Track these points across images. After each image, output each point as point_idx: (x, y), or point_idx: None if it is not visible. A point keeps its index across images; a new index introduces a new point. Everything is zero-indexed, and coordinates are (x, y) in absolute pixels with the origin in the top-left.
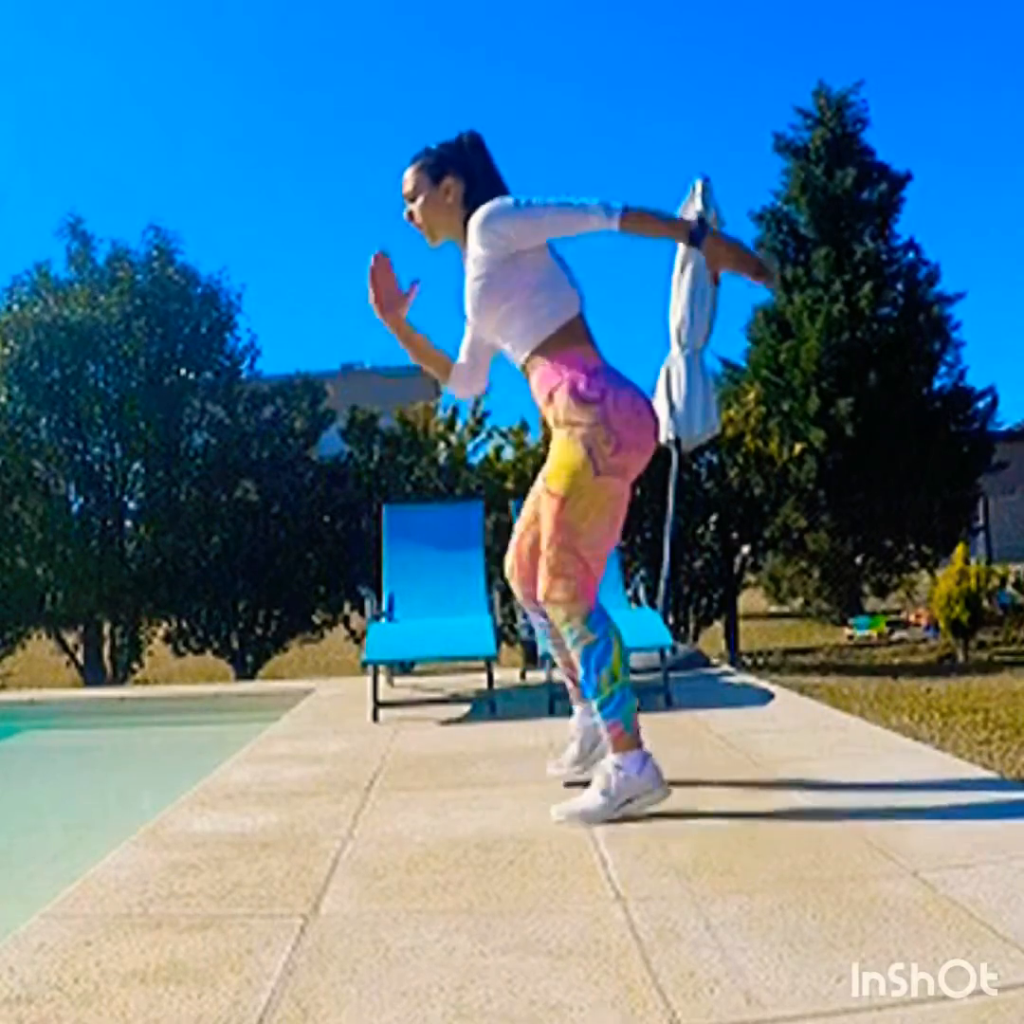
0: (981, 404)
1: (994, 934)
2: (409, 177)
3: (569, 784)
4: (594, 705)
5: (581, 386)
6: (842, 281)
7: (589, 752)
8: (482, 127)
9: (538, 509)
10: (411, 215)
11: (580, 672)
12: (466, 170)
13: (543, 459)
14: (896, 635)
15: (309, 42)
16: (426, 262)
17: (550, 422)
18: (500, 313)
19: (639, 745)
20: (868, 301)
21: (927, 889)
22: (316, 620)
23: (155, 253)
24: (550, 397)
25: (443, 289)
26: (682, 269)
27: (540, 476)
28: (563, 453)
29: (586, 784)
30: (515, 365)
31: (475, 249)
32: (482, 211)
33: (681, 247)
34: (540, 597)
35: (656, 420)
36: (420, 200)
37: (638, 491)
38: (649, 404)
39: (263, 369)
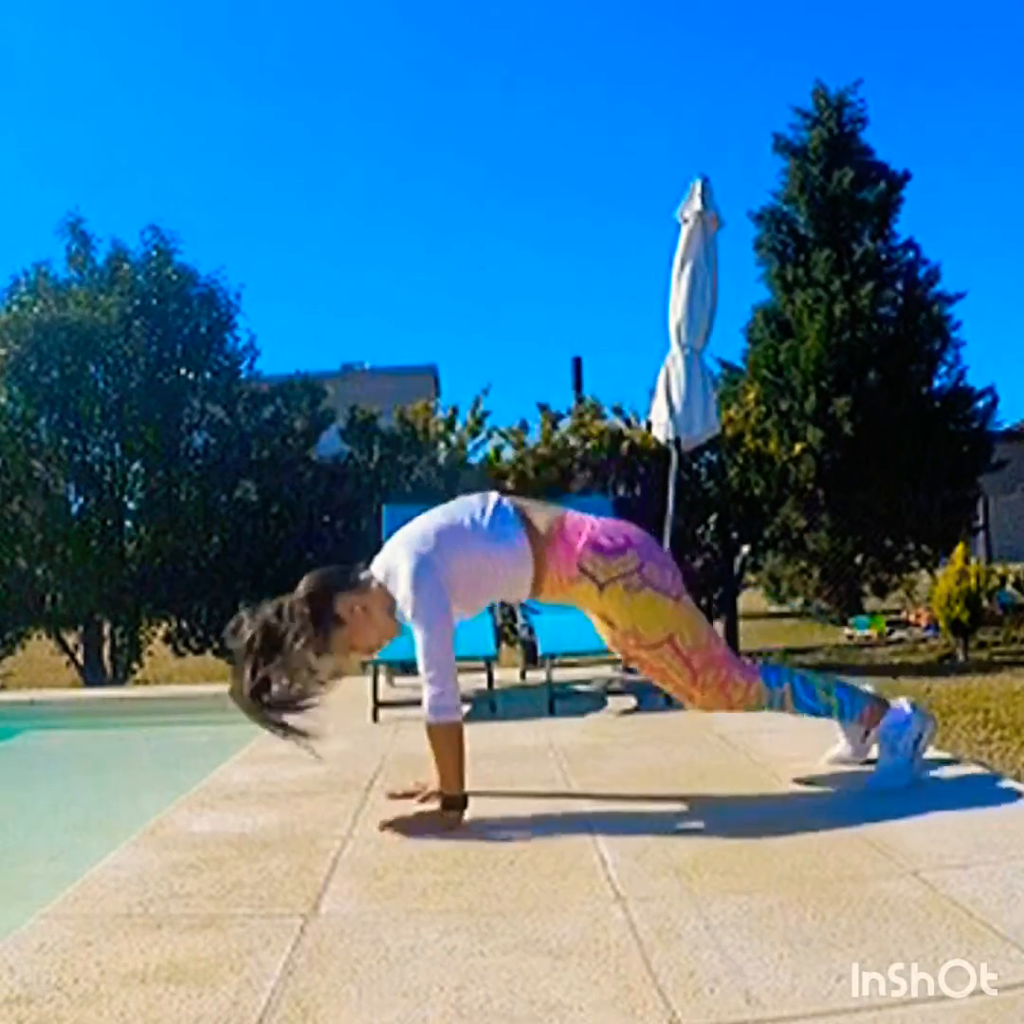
0: (981, 403)
1: (994, 934)
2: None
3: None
4: (844, 720)
5: (603, 540)
6: (842, 281)
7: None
8: (482, 127)
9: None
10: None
11: (808, 715)
12: (341, 584)
13: (543, 459)
14: (896, 635)
15: (309, 42)
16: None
17: (593, 590)
18: (481, 600)
19: (886, 704)
20: (868, 301)
21: (927, 889)
22: None
23: (154, 253)
24: (580, 569)
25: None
26: (681, 268)
27: (625, 634)
28: (638, 609)
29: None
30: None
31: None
32: (404, 601)
33: (681, 245)
34: (724, 710)
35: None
36: (349, 633)
37: (637, 491)
38: (640, 530)
39: (263, 369)
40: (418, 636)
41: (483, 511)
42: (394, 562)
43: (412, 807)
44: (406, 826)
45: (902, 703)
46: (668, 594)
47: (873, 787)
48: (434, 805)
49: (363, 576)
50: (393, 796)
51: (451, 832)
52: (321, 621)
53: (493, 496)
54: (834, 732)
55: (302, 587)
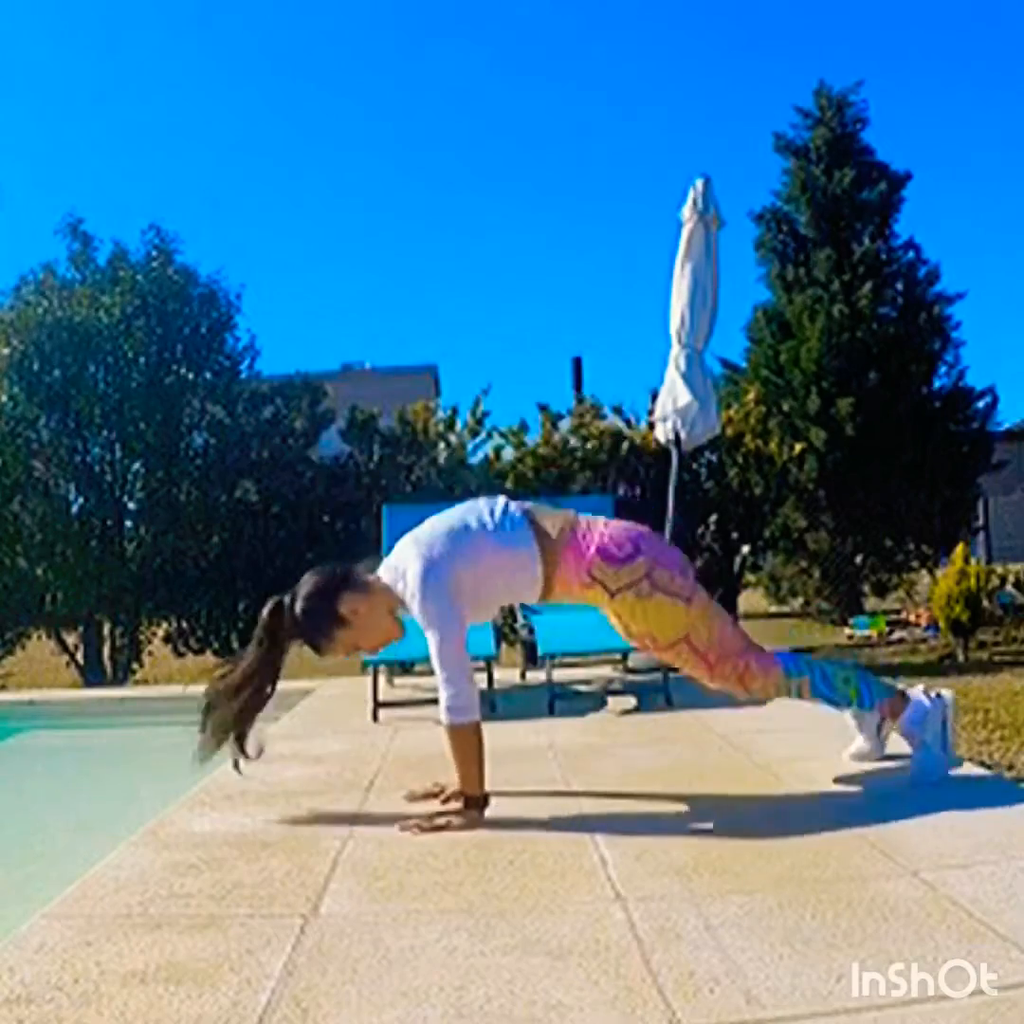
0: (981, 404)
1: (994, 934)
2: (329, 639)
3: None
4: (863, 711)
5: (613, 549)
6: (842, 281)
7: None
8: (482, 126)
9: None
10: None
11: (826, 704)
12: (345, 583)
13: (543, 460)
14: (896, 635)
15: (309, 42)
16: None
17: (604, 598)
18: (502, 598)
19: (907, 698)
20: (868, 301)
21: (927, 889)
22: None
23: (155, 253)
24: (590, 577)
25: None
26: (682, 268)
27: (641, 636)
28: (651, 614)
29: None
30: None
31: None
32: (414, 596)
33: (681, 245)
34: (752, 696)
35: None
36: (351, 633)
37: (638, 490)
38: (651, 531)
39: (263, 369)
40: (431, 640)
41: (492, 514)
42: (403, 565)
43: (421, 807)
44: (425, 825)
45: (919, 695)
46: (679, 596)
47: (914, 783)
48: (456, 805)
49: (370, 577)
50: (413, 797)
51: (471, 829)
52: (325, 619)
53: (502, 500)
54: (834, 732)
55: (306, 585)
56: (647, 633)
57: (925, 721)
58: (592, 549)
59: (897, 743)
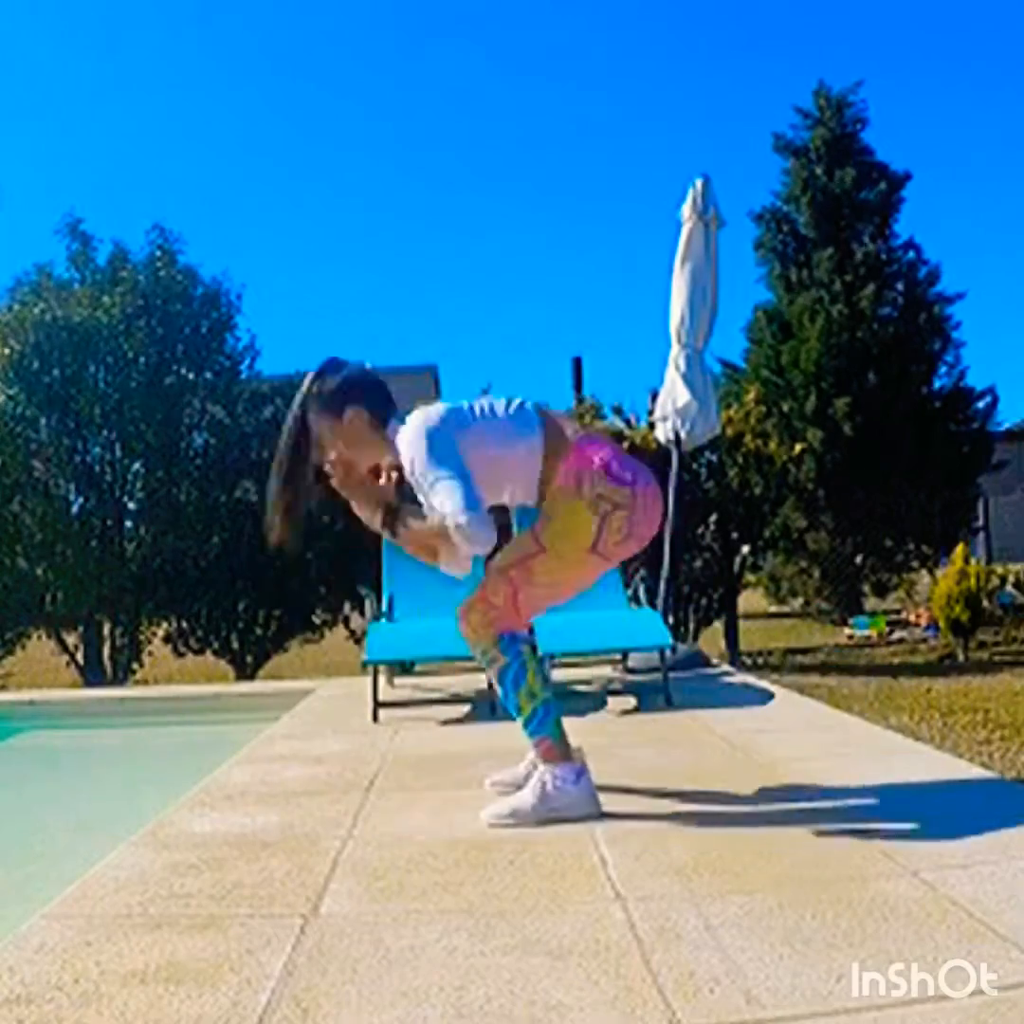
0: (981, 404)
1: (994, 934)
2: (315, 425)
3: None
4: (519, 723)
5: (616, 467)
6: (843, 281)
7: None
8: (482, 126)
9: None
10: (334, 464)
11: (499, 694)
12: (361, 395)
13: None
14: (896, 635)
15: (309, 41)
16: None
17: (570, 495)
18: (502, 489)
19: (570, 758)
20: (869, 302)
21: (927, 889)
22: (316, 620)
23: (158, 253)
24: (577, 479)
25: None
26: (682, 267)
27: (538, 523)
28: (574, 519)
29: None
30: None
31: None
32: (404, 439)
33: (681, 245)
34: (458, 614)
35: (666, 511)
36: (339, 446)
37: None
38: (661, 495)
39: (263, 369)
40: (430, 485)
41: (507, 405)
42: (402, 429)
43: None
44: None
45: (588, 776)
46: (597, 543)
47: (488, 816)
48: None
49: (388, 429)
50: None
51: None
52: (331, 405)
53: (518, 398)
54: (834, 732)
55: (353, 370)
56: (547, 513)
57: (564, 787)
58: (598, 459)
59: (893, 751)
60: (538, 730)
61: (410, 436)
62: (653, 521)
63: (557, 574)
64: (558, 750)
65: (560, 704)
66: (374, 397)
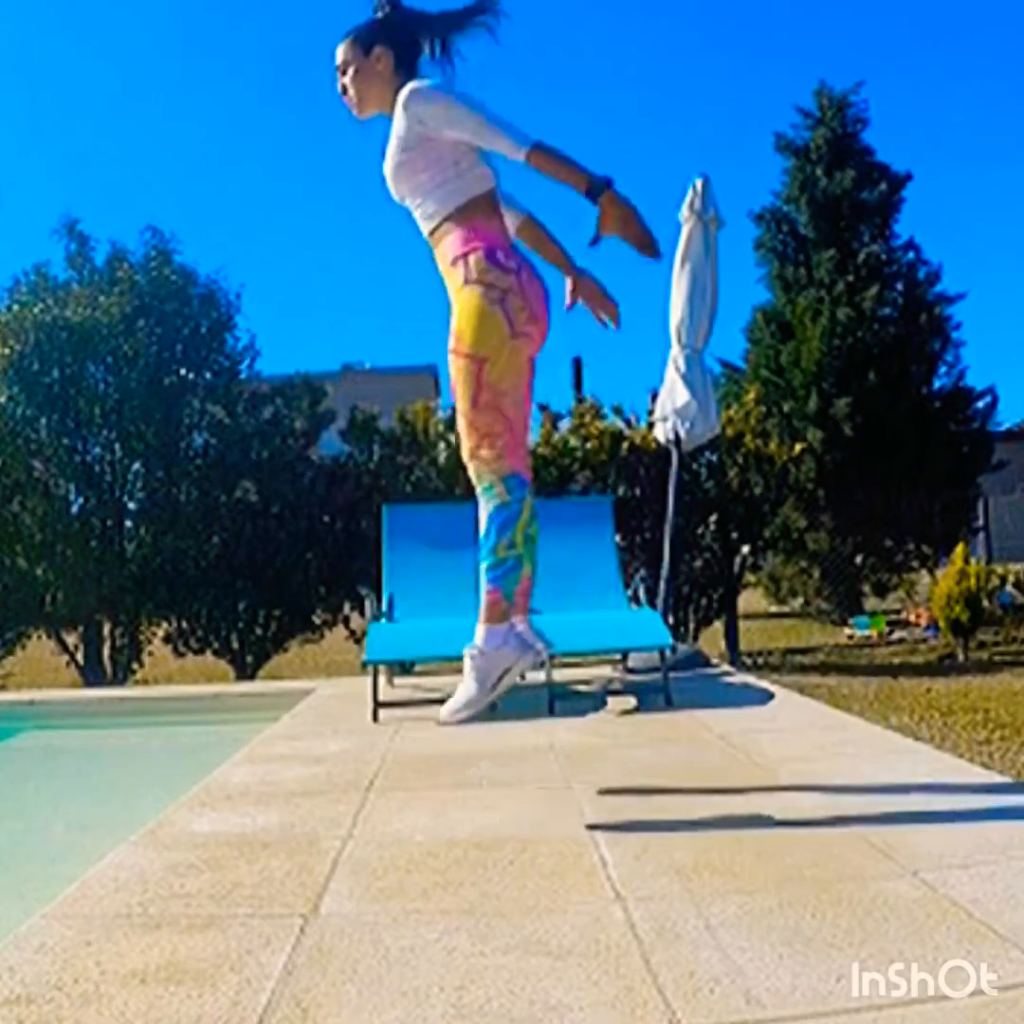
0: (981, 404)
1: (994, 934)
2: (341, 50)
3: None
4: (483, 568)
5: (500, 255)
6: (845, 282)
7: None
8: None
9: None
10: (344, 88)
11: (482, 532)
12: (395, 41)
13: (543, 459)
14: (896, 635)
15: (309, 42)
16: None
17: (457, 282)
18: (411, 184)
19: (502, 620)
20: (870, 302)
21: (927, 889)
22: (316, 620)
23: (154, 253)
24: (464, 258)
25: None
26: (681, 267)
27: (451, 344)
28: (476, 311)
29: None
30: (424, 236)
31: (396, 124)
32: (406, 90)
33: (681, 245)
34: (465, 456)
35: (549, 306)
36: (351, 71)
37: (637, 490)
38: (545, 288)
39: (263, 369)
40: (457, 111)
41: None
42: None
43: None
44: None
45: (515, 630)
46: (512, 326)
47: (444, 715)
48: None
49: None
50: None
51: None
52: (371, 28)
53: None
54: (834, 732)
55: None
56: (459, 332)
57: (487, 654)
58: (484, 240)
59: (893, 751)
60: (498, 580)
61: (403, 95)
62: (543, 302)
63: (510, 375)
64: (502, 609)
65: (527, 568)
66: (404, 44)
